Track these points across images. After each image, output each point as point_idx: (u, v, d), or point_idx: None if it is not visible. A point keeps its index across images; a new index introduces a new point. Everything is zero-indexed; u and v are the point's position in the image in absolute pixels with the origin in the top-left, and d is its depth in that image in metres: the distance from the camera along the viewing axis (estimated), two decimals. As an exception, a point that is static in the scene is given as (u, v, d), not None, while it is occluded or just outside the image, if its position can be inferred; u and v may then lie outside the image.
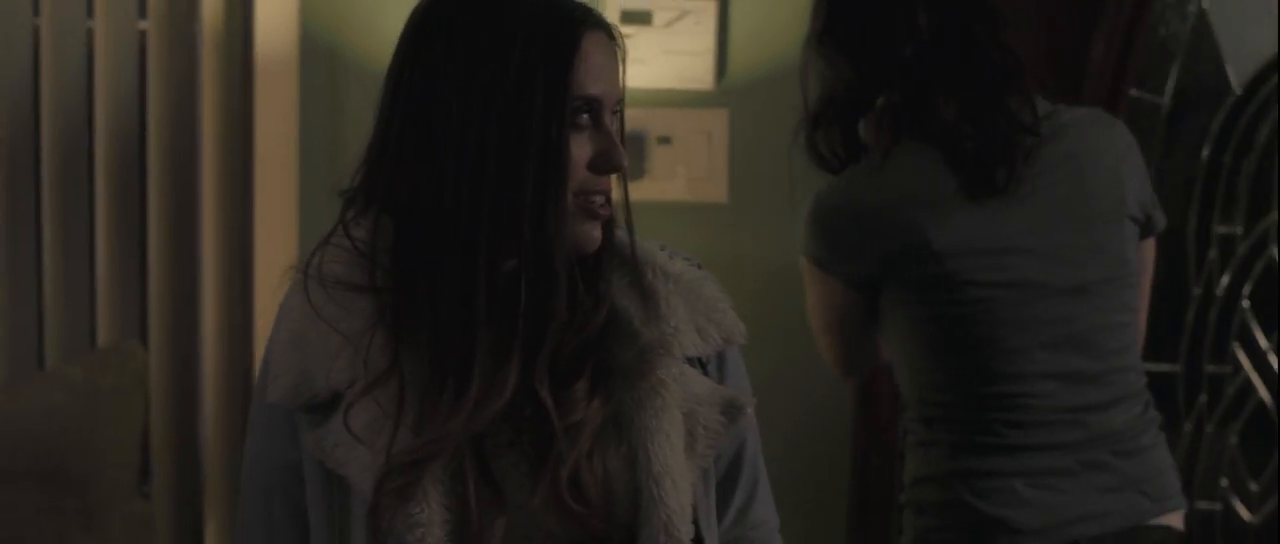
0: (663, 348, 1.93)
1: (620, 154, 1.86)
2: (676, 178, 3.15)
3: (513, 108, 1.82)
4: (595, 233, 1.88)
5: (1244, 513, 3.70)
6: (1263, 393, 3.65)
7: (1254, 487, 3.69)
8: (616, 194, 1.90)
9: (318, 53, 3.08)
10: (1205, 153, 3.60)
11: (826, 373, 3.18)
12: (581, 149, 1.85)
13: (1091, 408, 2.56)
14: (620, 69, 1.88)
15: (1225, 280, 3.63)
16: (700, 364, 1.99)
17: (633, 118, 3.03)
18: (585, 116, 1.85)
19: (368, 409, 1.83)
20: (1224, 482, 3.69)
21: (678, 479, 1.92)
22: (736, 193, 3.16)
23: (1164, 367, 3.65)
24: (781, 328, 3.15)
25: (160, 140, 3.03)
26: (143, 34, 3.03)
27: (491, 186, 1.82)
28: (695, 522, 1.94)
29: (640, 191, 3.10)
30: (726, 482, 2.07)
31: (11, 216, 3.02)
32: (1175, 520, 2.60)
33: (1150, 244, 2.69)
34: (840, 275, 2.53)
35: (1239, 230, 3.62)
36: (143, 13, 3.03)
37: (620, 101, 1.89)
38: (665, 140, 3.13)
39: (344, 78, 3.10)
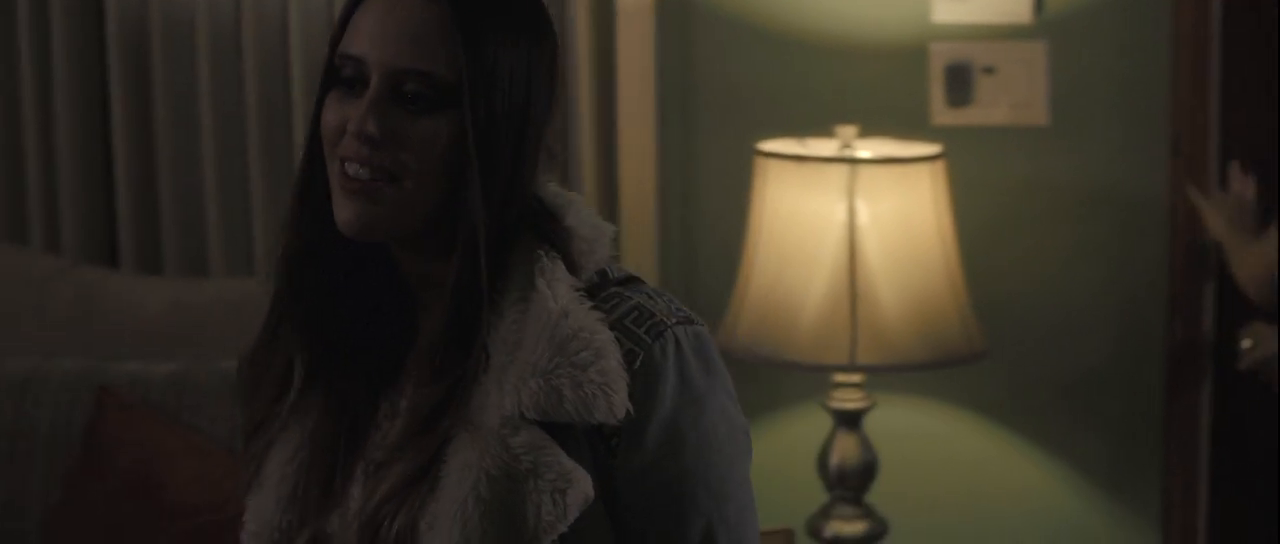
0: (510, 405, 1.62)
1: (363, 122, 1.61)
2: (999, 105, 3.43)
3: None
4: (344, 212, 1.63)
5: None
6: None
7: None
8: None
9: (672, 1, 3.44)
10: None
11: (1137, 293, 3.43)
12: (333, 112, 1.65)
13: None
14: (435, 36, 1.61)
15: None
16: (569, 432, 1.63)
17: (958, 51, 3.35)
18: (347, 78, 1.64)
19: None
20: None
21: None
22: (1056, 116, 3.41)
23: None
24: (1100, 250, 3.39)
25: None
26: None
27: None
28: None
29: (968, 117, 3.40)
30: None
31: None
32: None
33: None
34: None
35: None
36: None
37: (420, 75, 1.62)
38: (989, 70, 3.41)
39: (696, 24, 3.44)
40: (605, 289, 1.67)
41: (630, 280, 1.70)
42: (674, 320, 1.65)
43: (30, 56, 3.50)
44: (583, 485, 1.61)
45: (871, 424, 3.22)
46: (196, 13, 3.45)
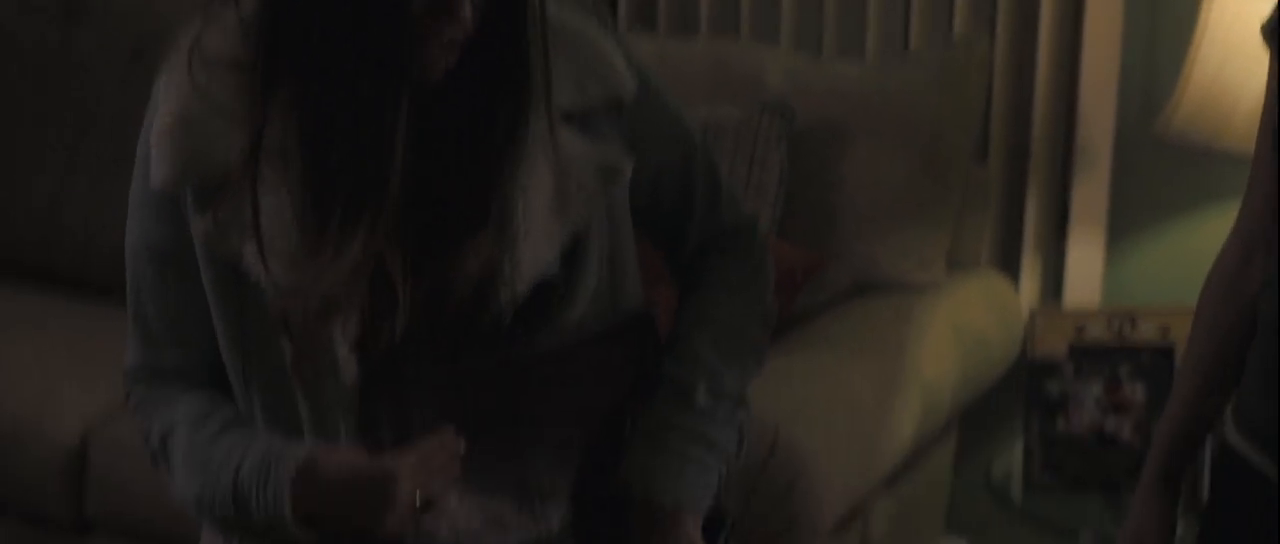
0: (535, 99, 1.78)
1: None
2: None
3: None
4: (439, 63, 1.71)
5: None
6: None
7: None
8: None
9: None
10: None
11: None
12: None
13: None
14: None
15: None
16: (582, 119, 1.85)
17: None
18: None
19: (265, 193, 1.74)
20: None
21: (535, 233, 1.81)
22: None
23: None
24: None
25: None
26: None
27: None
28: (571, 285, 1.86)
29: None
30: (682, 199, 2.00)
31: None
32: None
33: None
34: None
35: None
36: None
37: None
38: None
39: None
40: None
41: None
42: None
43: None
44: (619, 166, 1.87)
45: (1302, 218, 3.31)
46: None
